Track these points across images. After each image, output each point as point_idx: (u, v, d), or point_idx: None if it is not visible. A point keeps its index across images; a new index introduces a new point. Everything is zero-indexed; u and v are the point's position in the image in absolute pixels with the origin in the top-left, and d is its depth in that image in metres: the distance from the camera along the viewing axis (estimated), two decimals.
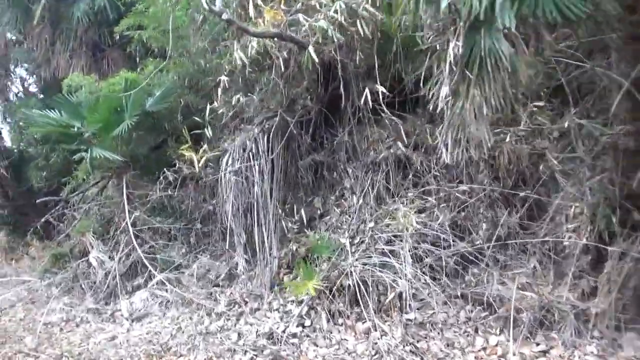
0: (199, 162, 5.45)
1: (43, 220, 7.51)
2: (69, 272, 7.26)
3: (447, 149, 3.00)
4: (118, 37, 7.83)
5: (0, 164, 9.38)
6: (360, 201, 5.05)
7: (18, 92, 9.58)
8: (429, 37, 2.91)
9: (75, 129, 6.32)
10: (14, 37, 9.72)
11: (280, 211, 5.33)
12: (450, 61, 2.66)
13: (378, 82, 4.90)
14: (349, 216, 5.15)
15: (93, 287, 6.59)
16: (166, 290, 5.76)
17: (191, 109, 6.96)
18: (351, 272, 4.31)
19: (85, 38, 9.04)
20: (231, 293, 5.31)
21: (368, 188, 5.04)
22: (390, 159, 5.10)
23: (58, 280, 7.21)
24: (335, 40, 4.76)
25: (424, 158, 4.97)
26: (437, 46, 2.92)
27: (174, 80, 6.94)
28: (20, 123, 8.75)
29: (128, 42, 9.14)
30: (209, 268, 5.74)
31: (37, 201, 7.69)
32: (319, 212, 5.58)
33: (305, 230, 5.34)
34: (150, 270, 6.11)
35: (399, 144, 5.18)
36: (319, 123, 5.82)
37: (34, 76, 9.63)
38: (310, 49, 4.59)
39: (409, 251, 4.18)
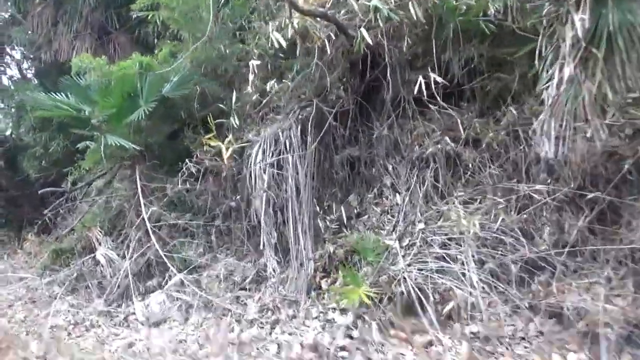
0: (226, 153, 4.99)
1: (47, 212, 6.86)
2: (72, 269, 6.76)
3: (547, 143, 2.58)
4: (132, 17, 7.27)
5: None
6: (406, 200, 4.63)
7: (12, 76, 8.97)
8: (545, 9, 2.49)
9: (87, 114, 5.78)
10: (10, 16, 9.05)
11: (316, 208, 4.89)
12: (572, 37, 2.24)
13: (430, 70, 4.47)
14: (392, 216, 4.74)
15: (101, 287, 6.09)
16: (185, 293, 5.29)
17: (207, 96, 6.49)
18: (404, 277, 3.90)
19: (91, 19, 8.50)
20: (260, 298, 4.86)
21: (415, 186, 4.62)
22: (438, 154, 4.68)
23: (61, 278, 6.70)
24: (383, 24, 4.34)
25: (476, 154, 4.57)
26: (544, 23, 2.50)
27: (191, 65, 6.44)
28: (26, 107, 8.12)
29: (137, 25, 8.68)
30: (233, 269, 5.28)
31: (40, 192, 7.05)
32: (355, 210, 5.15)
33: (343, 230, 4.91)
34: (166, 270, 5.64)
35: (447, 138, 4.78)
36: (354, 115, 5.39)
37: (31, 59, 9.00)
38: (363, 30, 4.16)
39: (472, 256, 3.77)
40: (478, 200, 4.38)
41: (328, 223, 4.81)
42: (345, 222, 4.92)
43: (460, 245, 3.98)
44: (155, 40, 8.49)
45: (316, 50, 5.05)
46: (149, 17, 6.60)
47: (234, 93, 5.45)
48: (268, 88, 5.00)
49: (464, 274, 3.84)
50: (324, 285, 4.58)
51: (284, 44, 4.72)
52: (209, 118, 5.23)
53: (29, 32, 8.83)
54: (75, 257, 7.07)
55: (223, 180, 5.70)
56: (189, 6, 6.08)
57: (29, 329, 5.33)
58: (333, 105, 5.24)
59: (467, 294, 3.78)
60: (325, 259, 4.73)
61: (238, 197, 5.72)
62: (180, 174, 5.72)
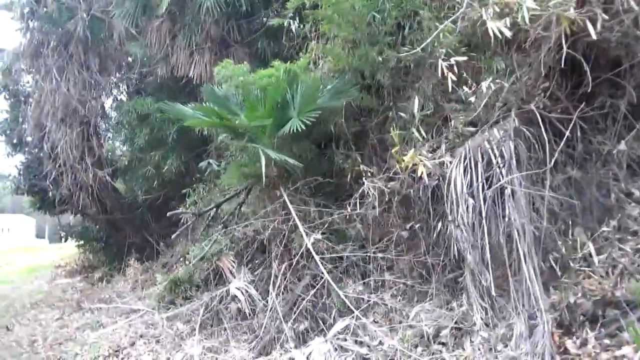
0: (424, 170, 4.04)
1: (175, 235, 6.17)
2: (195, 303, 5.95)
3: None
4: (253, 29, 6.66)
5: (102, 172, 8.31)
6: None
7: (123, 92, 8.61)
8: None
9: (237, 123, 5.08)
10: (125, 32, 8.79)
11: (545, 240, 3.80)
12: None
13: None
14: None
15: (239, 326, 5.22)
16: (358, 343, 4.29)
17: (353, 107, 5.69)
18: None
19: (212, 32, 8.00)
20: (467, 358, 3.76)
21: None
22: None
23: (183, 313, 5.90)
24: None
25: None
26: None
27: (343, 72, 5.66)
28: (136, 126, 7.65)
29: (260, 37, 8.15)
30: (417, 315, 4.23)
31: (168, 214, 6.40)
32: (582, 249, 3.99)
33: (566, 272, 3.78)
34: (323, 311, 4.69)
35: None
36: (573, 126, 4.31)
37: (148, 75, 8.64)
38: None
39: None
40: None
41: (571, 261, 3.66)
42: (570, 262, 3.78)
43: None
44: (269, 54, 8.00)
45: (526, 44, 4.11)
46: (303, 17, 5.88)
47: (416, 101, 4.54)
48: (484, 88, 4.02)
49: None
50: (571, 349, 3.41)
51: (507, 34, 3.77)
52: (393, 130, 4.32)
53: (145, 47, 8.48)
54: (201, 289, 6.32)
55: (398, 204, 4.73)
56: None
57: None
58: (548, 113, 4.19)
59: None
60: (563, 310, 3.59)
61: (412, 224, 4.73)
62: (352, 198, 4.79)
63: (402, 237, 4.84)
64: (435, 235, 4.55)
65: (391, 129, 4.44)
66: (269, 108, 5.20)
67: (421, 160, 4.20)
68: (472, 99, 4.51)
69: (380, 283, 4.85)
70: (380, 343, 4.29)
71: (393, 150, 4.31)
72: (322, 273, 4.85)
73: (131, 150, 8.25)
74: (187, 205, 7.04)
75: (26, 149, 10.10)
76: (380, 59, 5.39)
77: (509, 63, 4.39)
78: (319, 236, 4.70)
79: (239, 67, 5.80)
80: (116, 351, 5.32)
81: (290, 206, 5.06)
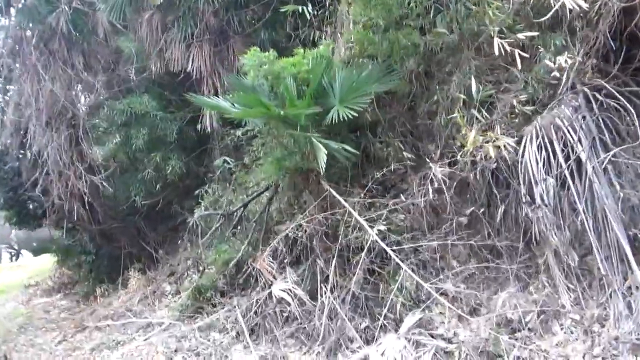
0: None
1: (203, 240, 5.81)
2: (227, 310, 5.58)
3: None
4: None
5: (96, 178, 7.67)
6: None
7: (113, 90, 7.97)
8: None
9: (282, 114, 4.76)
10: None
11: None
12: None
13: None
14: None
15: (287, 330, 4.90)
16: (432, 336, 4.10)
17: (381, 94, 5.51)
18: None
19: (211, 24, 7.57)
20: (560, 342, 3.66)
21: None
22: None
23: (218, 321, 5.50)
24: None
25: None
26: None
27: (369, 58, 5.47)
28: (133, 126, 7.11)
29: (263, 27, 7.79)
30: (500, 302, 4.09)
31: (198, 215, 5.98)
32: None
33: None
34: (380, 306, 4.49)
35: None
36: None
37: (136, 71, 8.06)
38: None
39: None
40: None
41: None
42: None
43: None
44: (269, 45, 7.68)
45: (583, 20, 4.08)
46: None
47: (473, 82, 4.39)
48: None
49: None
50: None
51: (584, 5, 3.70)
52: (458, 110, 4.15)
53: (136, 41, 7.92)
54: (227, 295, 5.92)
55: (454, 189, 4.58)
56: None
57: None
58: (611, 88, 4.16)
59: None
60: None
61: (473, 209, 4.59)
62: (393, 187, 4.61)
63: (461, 223, 4.68)
64: (499, 218, 4.42)
65: (456, 110, 4.28)
66: (309, 97, 4.90)
67: (488, 142, 4.06)
68: (526, 76, 4.44)
69: (444, 272, 4.66)
70: (455, 334, 4.13)
71: (460, 134, 4.14)
72: (397, 265, 4.54)
73: (127, 153, 7.66)
74: (204, 206, 6.61)
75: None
76: (413, 42, 5.23)
77: (565, 39, 4.32)
78: (382, 227, 4.43)
79: (267, 55, 5.45)
80: None
81: (339, 198, 4.78)
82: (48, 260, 18.79)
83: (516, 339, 3.81)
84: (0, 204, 9.21)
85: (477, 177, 4.39)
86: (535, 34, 4.04)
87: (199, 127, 7.83)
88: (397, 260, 4.24)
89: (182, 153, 7.94)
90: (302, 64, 5.33)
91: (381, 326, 4.49)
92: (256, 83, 5.48)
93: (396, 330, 4.31)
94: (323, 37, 6.40)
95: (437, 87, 5.07)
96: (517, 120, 4.39)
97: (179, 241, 8.44)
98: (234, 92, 5.49)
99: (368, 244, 4.52)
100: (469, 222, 4.72)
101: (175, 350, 5.24)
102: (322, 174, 4.87)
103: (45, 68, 7.58)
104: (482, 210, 4.54)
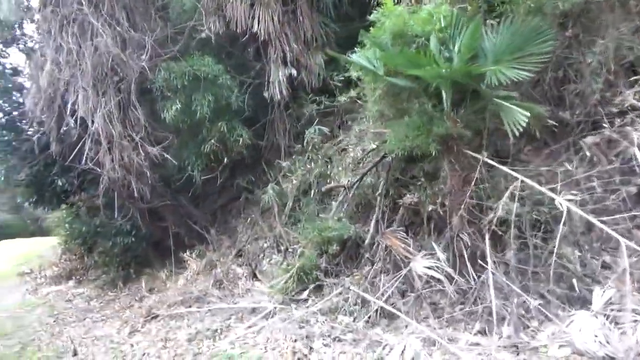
0: None
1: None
2: (335, 292, 5.15)
3: None
4: None
5: (154, 149, 6.82)
6: None
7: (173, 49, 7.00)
8: None
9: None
10: None
11: None
12: None
13: None
14: None
15: (438, 310, 4.54)
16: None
17: None
18: None
19: None
20: None
21: None
22: None
23: (337, 305, 5.06)
24: None
25: None
26: None
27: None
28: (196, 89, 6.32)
29: None
30: None
31: (323, 189, 5.39)
32: None
33: None
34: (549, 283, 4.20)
35: None
36: None
37: (191, 30, 7.20)
38: None
39: None
40: None
41: None
42: None
43: None
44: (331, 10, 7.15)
45: None
46: None
47: None
48: None
49: None
50: None
51: None
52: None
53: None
54: (332, 274, 5.45)
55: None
56: None
57: None
58: None
59: None
60: None
61: None
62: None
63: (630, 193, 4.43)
64: None
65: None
66: (465, 53, 4.43)
67: None
68: None
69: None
70: None
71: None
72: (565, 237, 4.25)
73: (187, 122, 6.84)
74: (293, 180, 6.03)
75: (26, 127, 8.03)
76: None
77: None
78: (572, 196, 4.10)
79: (398, 8, 4.91)
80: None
81: (504, 168, 4.40)
82: (23, 245, 17.29)
83: None
84: (18, 181, 8.04)
85: None
86: None
87: (266, 94, 7.17)
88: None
89: (246, 123, 7.24)
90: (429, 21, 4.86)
91: (558, 305, 4.20)
92: (384, 42, 4.96)
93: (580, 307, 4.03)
94: None
95: (590, 49, 4.75)
96: None
97: (238, 219, 7.78)
98: (366, 49, 4.91)
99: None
100: None
101: (307, 337, 4.73)
102: (513, 137, 4.40)
103: (85, 25, 6.60)
104: None
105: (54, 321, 7.38)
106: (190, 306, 6.30)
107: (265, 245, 6.87)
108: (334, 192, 6.53)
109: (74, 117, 6.68)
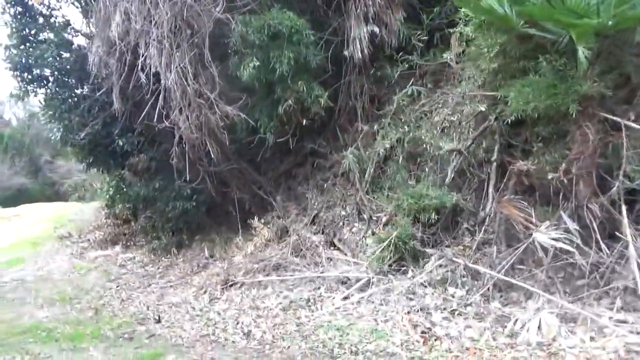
0: None
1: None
2: (436, 263, 4.86)
3: None
4: None
5: (231, 108, 6.42)
6: None
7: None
8: None
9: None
10: None
11: None
12: None
13: None
14: None
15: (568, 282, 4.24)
16: None
17: None
18: None
19: None
20: None
21: None
22: None
23: (444, 276, 4.77)
24: None
25: None
26: None
27: None
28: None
29: None
30: None
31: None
32: None
33: None
34: None
35: None
36: None
37: None
38: None
39: None
40: None
41: None
42: None
43: None
44: None
45: None
46: None
47: None
48: None
49: None
50: None
51: None
52: None
53: None
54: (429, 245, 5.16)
55: None
56: None
57: None
58: None
59: None
60: None
61: None
62: None
63: None
64: None
65: None
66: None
67: None
68: None
69: None
70: None
71: None
72: None
73: (265, 80, 6.43)
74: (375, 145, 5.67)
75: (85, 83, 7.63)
76: None
77: None
78: None
79: None
80: (423, 332, 4.05)
81: None
82: (47, 209, 16.98)
83: None
84: (76, 140, 7.69)
85: None
86: None
87: (346, 53, 6.75)
88: None
89: (321, 84, 6.84)
90: None
91: None
92: None
93: None
94: None
95: None
96: None
97: (304, 185, 7.46)
98: None
99: None
100: None
101: (421, 309, 4.44)
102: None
103: None
104: None
105: (117, 287, 7.16)
106: (268, 274, 6.03)
107: (343, 213, 6.56)
108: (421, 160, 6.19)
109: (144, 73, 6.29)
